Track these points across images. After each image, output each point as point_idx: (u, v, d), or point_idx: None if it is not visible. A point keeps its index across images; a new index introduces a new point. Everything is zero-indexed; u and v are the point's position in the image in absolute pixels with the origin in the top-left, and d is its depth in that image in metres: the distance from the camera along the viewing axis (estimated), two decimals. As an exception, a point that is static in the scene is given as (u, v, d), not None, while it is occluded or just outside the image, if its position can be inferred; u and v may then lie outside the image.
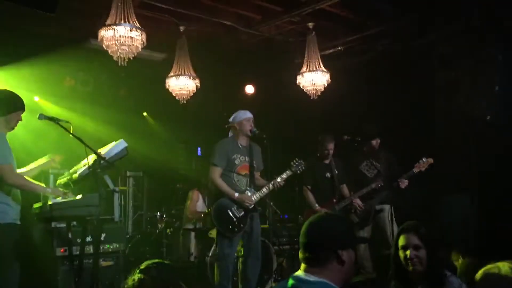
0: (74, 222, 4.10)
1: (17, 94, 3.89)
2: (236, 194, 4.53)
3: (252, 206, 4.55)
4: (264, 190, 4.65)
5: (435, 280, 2.57)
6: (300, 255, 1.98)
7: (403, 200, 5.37)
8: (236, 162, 4.64)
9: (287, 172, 4.70)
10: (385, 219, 5.41)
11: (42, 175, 5.75)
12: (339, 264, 1.90)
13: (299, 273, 1.95)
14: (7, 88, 3.99)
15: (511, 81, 5.11)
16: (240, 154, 4.68)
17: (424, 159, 5.26)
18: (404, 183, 5.23)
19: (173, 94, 5.77)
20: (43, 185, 3.78)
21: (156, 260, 2.56)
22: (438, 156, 5.38)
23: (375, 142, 5.57)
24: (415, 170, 5.24)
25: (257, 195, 4.61)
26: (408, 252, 2.58)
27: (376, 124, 5.78)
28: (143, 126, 8.03)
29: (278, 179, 4.63)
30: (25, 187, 3.65)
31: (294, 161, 4.74)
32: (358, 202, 5.42)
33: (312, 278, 1.90)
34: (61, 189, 3.71)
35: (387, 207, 5.43)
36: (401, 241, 2.63)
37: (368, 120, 6.06)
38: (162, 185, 7.30)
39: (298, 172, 4.74)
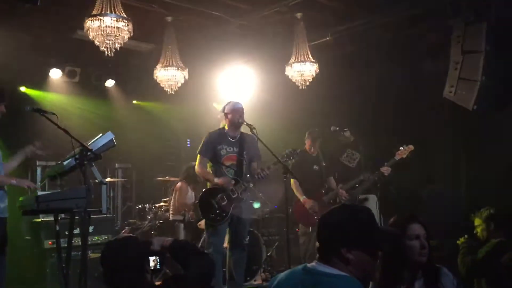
0: (62, 215, 4.07)
1: None
2: (216, 179, 4.55)
3: (236, 195, 4.55)
4: (250, 179, 4.65)
5: (432, 271, 2.54)
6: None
7: (389, 190, 5.42)
8: (222, 152, 4.66)
9: (278, 160, 4.61)
10: (371, 208, 5.45)
11: (29, 167, 5.74)
12: (343, 262, 1.84)
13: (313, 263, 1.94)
14: None
15: (497, 71, 5.13)
16: (227, 145, 4.69)
17: (404, 146, 5.28)
18: (387, 170, 5.25)
19: (161, 85, 5.75)
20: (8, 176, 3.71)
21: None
22: (424, 145, 5.42)
23: (346, 133, 5.58)
24: (397, 157, 5.27)
25: (241, 185, 4.59)
26: (419, 241, 2.50)
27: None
28: (131, 117, 7.97)
29: (266, 169, 4.61)
30: None
31: (286, 151, 4.68)
32: (342, 192, 5.44)
33: (321, 268, 1.88)
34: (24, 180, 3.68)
35: (372, 197, 5.51)
36: (411, 230, 2.53)
37: (358, 110, 6.10)
38: (150, 177, 7.26)
39: (289, 161, 4.70)
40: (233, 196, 4.53)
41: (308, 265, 1.95)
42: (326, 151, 5.77)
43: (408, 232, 2.53)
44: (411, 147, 5.29)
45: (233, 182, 4.57)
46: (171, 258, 2.61)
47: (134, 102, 8.28)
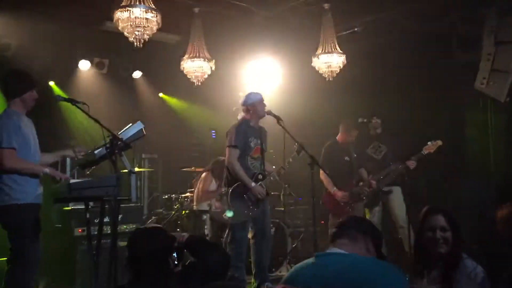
0: (92, 203, 4.15)
1: (26, 72, 3.90)
2: (253, 184, 4.54)
3: (265, 192, 4.59)
4: (272, 177, 4.70)
5: (452, 262, 2.57)
6: None
7: (415, 183, 5.33)
8: (252, 145, 4.64)
9: (294, 154, 4.58)
10: (395, 201, 5.42)
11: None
12: (351, 242, 2.16)
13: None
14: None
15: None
16: (254, 137, 4.68)
17: (433, 141, 5.21)
18: (412, 164, 5.19)
19: (188, 76, 5.77)
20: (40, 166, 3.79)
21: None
22: (455, 140, 5.32)
23: (374, 123, 5.54)
24: (424, 152, 5.20)
25: (265, 181, 4.66)
26: (436, 233, 2.58)
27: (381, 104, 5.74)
28: (158, 108, 8.05)
29: (287, 163, 4.62)
30: (23, 170, 3.63)
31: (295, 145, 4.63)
32: (372, 182, 5.42)
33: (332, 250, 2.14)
34: (58, 172, 3.77)
35: (396, 188, 5.45)
36: (428, 222, 2.62)
37: (386, 103, 6.02)
38: (176, 168, 7.33)
39: (300, 153, 4.62)
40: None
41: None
42: (356, 143, 5.72)
43: (426, 224, 2.64)
44: (439, 142, 5.21)
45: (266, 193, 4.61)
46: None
47: (160, 95, 8.37)
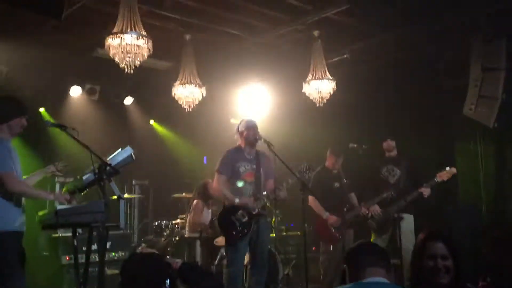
0: (80, 230, 4.09)
1: (17, 98, 3.89)
2: (237, 200, 4.51)
3: (256, 211, 4.52)
4: (270, 195, 4.61)
5: None
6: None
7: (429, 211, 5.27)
8: (241, 170, 4.63)
9: (295, 175, 4.54)
10: (405, 229, 5.12)
11: (48, 183, 5.79)
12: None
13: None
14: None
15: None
16: (245, 162, 4.67)
17: (447, 168, 5.05)
18: (427, 191, 5.04)
19: (179, 102, 5.80)
20: (46, 191, 3.77)
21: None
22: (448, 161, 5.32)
23: (386, 145, 5.45)
24: (437, 179, 5.04)
25: (260, 201, 4.57)
26: (437, 262, 2.36)
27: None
28: (149, 135, 8.04)
29: (284, 184, 4.60)
30: (28, 194, 3.62)
31: (302, 165, 4.65)
32: (376, 208, 5.29)
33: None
34: (64, 194, 3.69)
35: (408, 216, 5.24)
36: (428, 249, 2.41)
37: (374, 128, 6.05)
38: (167, 194, 7.28)
39: (306, 176, 4.65)
40: (254, 213, 4.50)
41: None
42: (348, 168, 5.69)
43: (425, 251, 2.42)
44: (454, 170, 5.05)
45: (253, 199, 4.54)
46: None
47: (151, 122, 8.39)
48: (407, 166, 5.37)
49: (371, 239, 5.37)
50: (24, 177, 3.92)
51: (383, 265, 2.16)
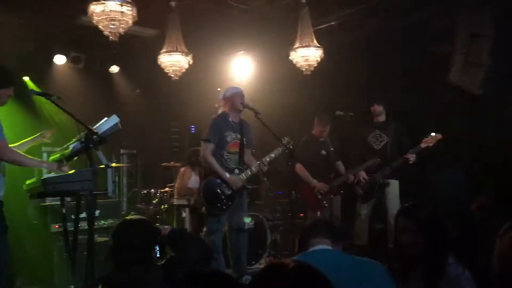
0: (68, 198, 4.11)
1: (6, 68, 3.86)
2: (227, 175, 4.53)
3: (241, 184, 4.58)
4: (252, 170, 4.67)
5: (432, 268, 2.40)
6: None
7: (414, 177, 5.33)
8: (228, 139, 4.63)
9: (277, 150, 4.65)
10: (390, 194, 5.26)
11: (35, 153, 5.77)
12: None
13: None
14: None
15: (503, 54, 5.10)
16: (231, 131, 4.67)
17: (432, 134, 5.07)
18: (412, 157, 5.08)
19: (166, 70, 5.74)
20: (38, 159, 3.78)
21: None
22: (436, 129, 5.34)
23: (373, 109, 5.46)
24: (422, 145, 5.07)
25: (245, 174, 4.63)
26: (403, 236, 2.44)
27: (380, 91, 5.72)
28: (135, 103, 7.98)
29: (267, 158, 4.63)
30: (21, 163, 3.65)
31: (284, 139, 4.70)
32: (362, 174, 5.34)
33: None
34: (55, 162, 3.71)
35: (394, 182, 5.31)
36: (399, 224, 2.51)
37: (361, 95, 6.07)
38: (155, 162, 7.30)
39: (289, 148, 4.70)
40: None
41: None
42: (335, 136, 5.74)
43: (397, 226, 2.54)
44: (439, 136, 5.07)
45: (242, 183, 4.57)
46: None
47: (137, 91, 8.33)
48: (395, 130, 5.37)
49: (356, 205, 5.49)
50: (13, 145, 3.94)
51: (328, 237, 2.34)
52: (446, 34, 5.55)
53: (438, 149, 5.22)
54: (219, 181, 4.54)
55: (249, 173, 4.65)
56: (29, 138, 4.08)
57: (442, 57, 5.60)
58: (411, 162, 5.11)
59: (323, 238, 2.33)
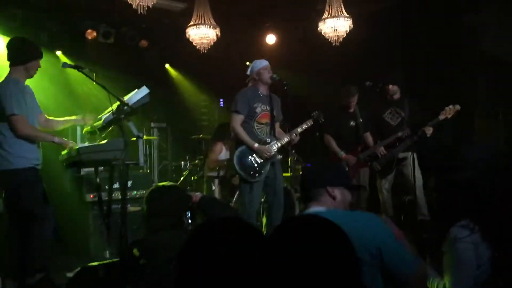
0: (101, 168, 4.25)
1: (32, 41, 3.96)
2: (256, 145, 4.56)
3: (273, 153, 4.60)
4: (284, 140, 4.69)
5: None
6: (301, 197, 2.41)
7: (427, 147, 5.30)
8: (257, 110, 4.65)
9: (308, 122, 4.74)
10: (409, 166, 5.21)
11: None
12: (330, 197, 2.24)
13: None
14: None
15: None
16: (261, 103, 4.68)
17: (451, 106, 5.03)
18: (429, 130, 5.06)
19: (194, 44, 5.76)
20: (51, 134, 3.91)
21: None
22: (464, 102, 5.26)
23: (390, 90, 5.44)
24: (441, 117, 5.04)
25: (277, 144, 4.65)
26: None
27: (396, 69, 5.65)
28: (165, 77, 8.07)
29: (298, 129, 4.66)
30: (36, 138, 3.79)
31: (315, 112, 4.76)
32: (381, 149, 5.37)
33: (315, 209, 2.20)
34: (66, 139, 3.86)
35: (409, 154, 5.29)
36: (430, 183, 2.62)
37: (392, 66, 5.97)
38: (185, 136, 7.42)
39: (320, 122, 4.78)
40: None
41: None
42: (365, 107, 5.70)
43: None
44: (458, 107, 5.02)
45: (272, 153, 4.59)
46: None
47: (167, 66, 8.41)
48: (411, 105, 5.37)
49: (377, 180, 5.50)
50: (51, 117, 4.09)
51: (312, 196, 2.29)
52: (480, 1, 5.38)
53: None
54: (251, 150, 4.59)
55: (280, 143, 4.68)
56: (72, 118, 4.20)
57: (476, 24, 5.42)
58: (428, 135, 5.08)
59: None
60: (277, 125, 4.84)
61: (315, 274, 1.25)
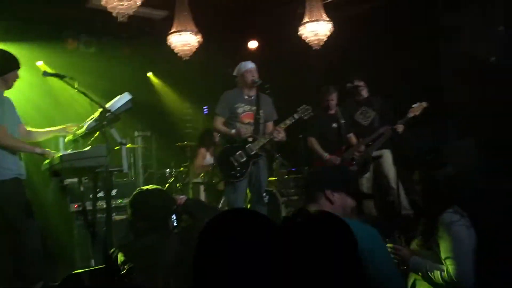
0: (85, 178, 4.22)
1: (10, 52, 3.93)
2: (233, 131, 4.64)
3: (254, 151, 4.62)
4: (265, 137, 4.69)
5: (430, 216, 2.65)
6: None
7: (405, 146, 5.41)
8: (239, 111, 4.72)
9: (293, 116, 4.77)
10: (386, 164, 5.47)
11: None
12: (329, 202, 2.24)
13: None
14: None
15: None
16: (244, 104, 4.75)
17: (417, 104, 5.22)
18: (400, 128, 5.23)
19: (176, 51, 5.76)
20: (32, 145, 3.88)
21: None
22: (443, 101, 5.36)
23: (355, 82, 5.55)
24: (409, 114, 5.21)
25: (258, 141, 4.65)
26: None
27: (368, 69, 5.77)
28: (148, 86, 8.05)
29: (281, 125, 4.70)
30: (17, 148, 3.74)
31: (301, 106, 4.80)
32: (362, 147, 5.44)
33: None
34: (48, 150, 3.83)
35: (386, 152, 5.50)
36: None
37: (374, 68, 6.05)
38: (170, 144, 7.39)
39: (305, 118, 4.81)
40: (251, 153, 4.60)
41: None
42: (344, 109, 5.76)
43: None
44: (424, 104, 5.22)
45: (248, 128, 4.63)
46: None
47: (149, 74, 8.40)
48: (380, 104, 5.54)
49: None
50: (32, 129, 4.04)
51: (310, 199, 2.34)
52: (457, 2, 5.48)
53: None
54: (232, 150, 4.61)
55: (263, 140, 4.69)
56: (54, 128, 4.15)
57: (453, 25, 5.53)
58: (399, 132, 5.22)
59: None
60: (270, 124, 4.88)
61: (322, 262, 1.33)
